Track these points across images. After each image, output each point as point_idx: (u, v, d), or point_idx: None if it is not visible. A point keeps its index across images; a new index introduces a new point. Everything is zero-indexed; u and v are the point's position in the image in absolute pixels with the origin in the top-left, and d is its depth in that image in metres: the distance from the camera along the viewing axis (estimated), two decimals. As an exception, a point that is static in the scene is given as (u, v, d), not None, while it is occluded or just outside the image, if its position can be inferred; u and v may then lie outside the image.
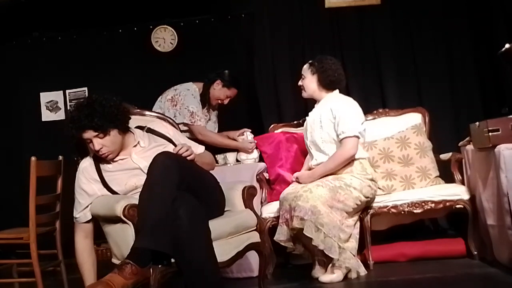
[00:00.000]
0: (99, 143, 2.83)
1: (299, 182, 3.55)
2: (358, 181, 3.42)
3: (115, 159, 2.94)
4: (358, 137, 3.46)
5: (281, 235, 3.42)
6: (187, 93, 4.13)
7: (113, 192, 2.91)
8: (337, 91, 3.66)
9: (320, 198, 3.26)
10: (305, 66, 3.70)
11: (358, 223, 3.52)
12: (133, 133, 3.02)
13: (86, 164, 2.98)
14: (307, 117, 3.75)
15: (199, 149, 3.15)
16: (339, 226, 3.28)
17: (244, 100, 5.10)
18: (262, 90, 4.84)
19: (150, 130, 3.10)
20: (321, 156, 3.57)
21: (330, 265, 3.32)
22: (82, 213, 2.94)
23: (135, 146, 2.98)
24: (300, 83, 3.72)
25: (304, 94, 3.72)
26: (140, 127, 3.12)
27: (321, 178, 3.45)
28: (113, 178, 2.92)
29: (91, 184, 2.93)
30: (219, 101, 4.23)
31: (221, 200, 2.99)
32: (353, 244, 3.39)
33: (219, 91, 4.18)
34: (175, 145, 2.97)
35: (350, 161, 3.47)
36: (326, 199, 3.28)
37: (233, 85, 4.19)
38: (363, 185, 3.43)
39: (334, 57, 4.65)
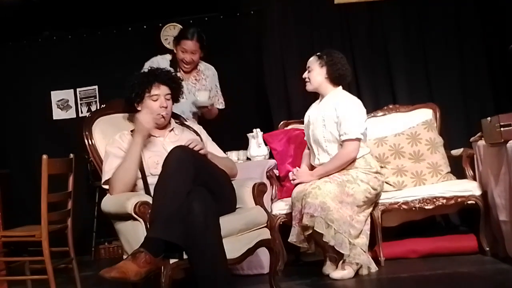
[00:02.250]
0: (165, 103, 3.02)
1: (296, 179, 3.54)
2: (363, 175, 3.41)
3: (152, 133, 3.02)
4: (360, 139, 3.42)
5: (295, 236, 3.41)
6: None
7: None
8: (340, 87, 3.60)
9: (329, 194, 3.25)
10: (313, 59, 3.59)
11: (369, 219, 3.50)
12: (171, 119, 3.17)
13: (125, 133, 3.06)
14: (308, 114, 3.70)
15: (220, 154, 3.21)
16: (349, 222, 3.28)
17: (253, 97, 5.11)
18: (271, 87, 4.83)
19: (185, 125, 3.27)
20: (323, 155, 3.53)
21: (341, 261, 3.32)
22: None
23: (170, 130, 3.11)
24: (305, 75, 3.60)
25: (309, 87, 3.61)
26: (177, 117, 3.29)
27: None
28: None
29: (125, 147, 2.97)
30: (184, 62, 3.83)
31: (232, 197, 3.00)
32: (363, 240, 3.38)
33: (177, 54, 3.84)
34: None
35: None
36: (335, 194, 3.27)
37: (180, 38, 3.81)
38: (369, 178, 3.41)
39: (344, 53, 4.69)
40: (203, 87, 3.93)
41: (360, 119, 3.48)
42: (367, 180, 3.41)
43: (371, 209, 3.53)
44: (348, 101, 3.52)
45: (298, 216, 3.37)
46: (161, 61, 3.86)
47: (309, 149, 3.74)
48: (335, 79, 3.54)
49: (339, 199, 3.28)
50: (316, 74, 3.56)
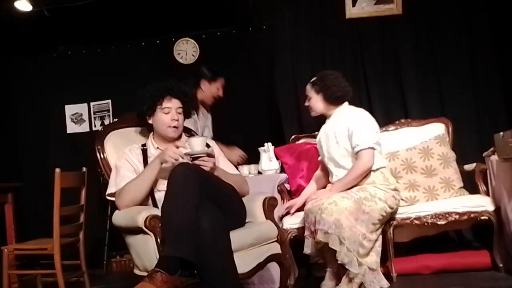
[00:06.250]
0: (177, 116, 3.04)
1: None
2: (382, 192, 3.38)
3: (161, 148, 3.05)
4: (373, 148, 3.41)
5: (309, 248, 3.38)
6: None
7: None
8: (346, 103, 3.60)
9: (344, 211, 3.21)
10: (308, 86, 3.63)
11: (381, 236, 3.47)
12: (182, 134, 3.20)
13: (135, 146, 3.10)
14: (319, 133, 3.69)
15: (232, 170, 3.20)
16: (359, 241, 3.22)
17: (265, 111, 5.13)
18: (283, 102, 4.83)
19: None
20: (341, 171, 3.51)
21: (345, 275, 3.27)
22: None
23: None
24: (306, 103, 3.66)
25: (313, 114, 3.66)
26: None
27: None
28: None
29: (134, 160, 3.02)
30: (216, 97, 4.15)
31: (241, 211, 3.00)
32: (373, 258, 3.32)
33: (210, 89, 4.14)
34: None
35: (371, 171, 3.43)
36: (351, 211, 3.23)
37: (217, 75, 4.14)
38: (387, 196, 3.39)
39: (355, 67, 4.70)
40: (209, 124, 4.12)
41: (369, 128, 3.46)
42: (385, 199, 3.38)
43: (382, 226, 3.50)
44: (355, 114, 3.53)
45: (312, 228, 3.35)
46: None
47: (322, 170, 3.73)
48: (334, 101, 3.56)
49: (355, 216, 3.24)
50: (315, 101, 3.60)
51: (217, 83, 4.15)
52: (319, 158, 3.75)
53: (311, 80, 3.64)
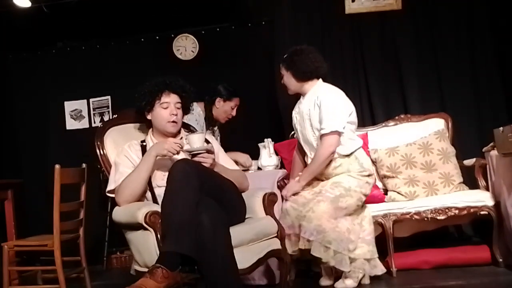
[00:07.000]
0: (175, 111, 3.04)
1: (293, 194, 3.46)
2: (355, 181, 3.32)
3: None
4: (338, 132, 3.29)
5: (290, 249, 3.32)
6: (190, 118, 4.02)
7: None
8: (320, 80, 3.48)
9: (323, 215, 3.18)
10: (280, 64, 3.55)
11: (367, 227, 3.39)
12: (181, 130, 3.18)
13: (135, 142, 3.10)
14: (294, 114, 3.61)
15: (231, 166, 3.19)
16: (346, 238, 3.20)
17: (264, 107, 5.12)
18: (282, 97, 4.82)
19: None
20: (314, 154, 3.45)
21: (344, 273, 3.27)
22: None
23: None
24: (282, 82, 3.57)
25: (289, 91, 3.58)
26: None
27: (314, 185, 3.40)
28: None
29: (133, 157, 3.02)
30: (229, 116, 4.23)
31: (241, 207, 3.00)
32: (364, 249, 3.29)
33: (224, 107, 4.18)
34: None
35: (345, 157, 3.36)
36: (330, 213, 3.20)
37: (233, 95, 4.19)
38: (361, 184, 3.34)
39: (355, 62, 4.69)
40: (218, 135, 4.26)
41: (339, 109, 3.33)
42: (360, 188, 3.33)
43: (363, 213, 3.45)
44: (325, 94, 3.39)
45: (290, 230, 3.30)
46: (196, 123, 4.02)
47: (298, 150, 3.69)
48: (304, 77, 3.45)
49: (334, 216, 3.21)
50: (286, 78, 3.52)
51: (232, 103, 4.19)
52: (295, 136, 3.70)
53: (283, 57, 3.56)
